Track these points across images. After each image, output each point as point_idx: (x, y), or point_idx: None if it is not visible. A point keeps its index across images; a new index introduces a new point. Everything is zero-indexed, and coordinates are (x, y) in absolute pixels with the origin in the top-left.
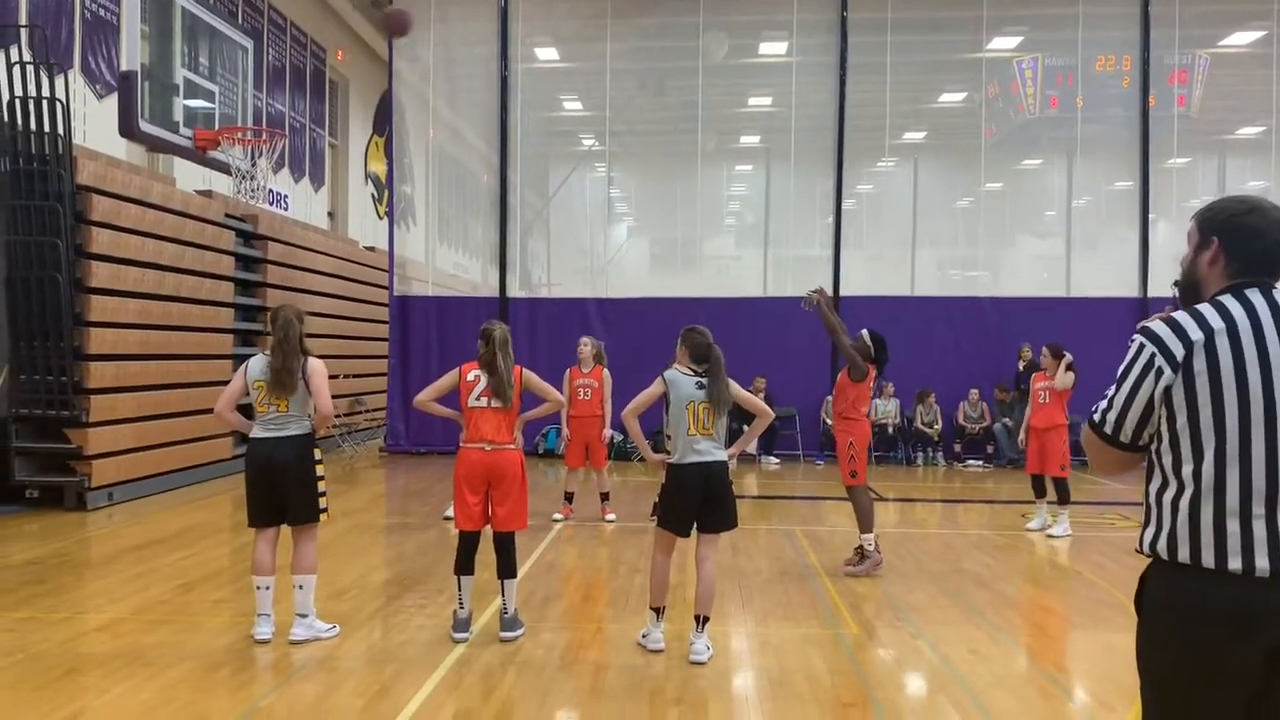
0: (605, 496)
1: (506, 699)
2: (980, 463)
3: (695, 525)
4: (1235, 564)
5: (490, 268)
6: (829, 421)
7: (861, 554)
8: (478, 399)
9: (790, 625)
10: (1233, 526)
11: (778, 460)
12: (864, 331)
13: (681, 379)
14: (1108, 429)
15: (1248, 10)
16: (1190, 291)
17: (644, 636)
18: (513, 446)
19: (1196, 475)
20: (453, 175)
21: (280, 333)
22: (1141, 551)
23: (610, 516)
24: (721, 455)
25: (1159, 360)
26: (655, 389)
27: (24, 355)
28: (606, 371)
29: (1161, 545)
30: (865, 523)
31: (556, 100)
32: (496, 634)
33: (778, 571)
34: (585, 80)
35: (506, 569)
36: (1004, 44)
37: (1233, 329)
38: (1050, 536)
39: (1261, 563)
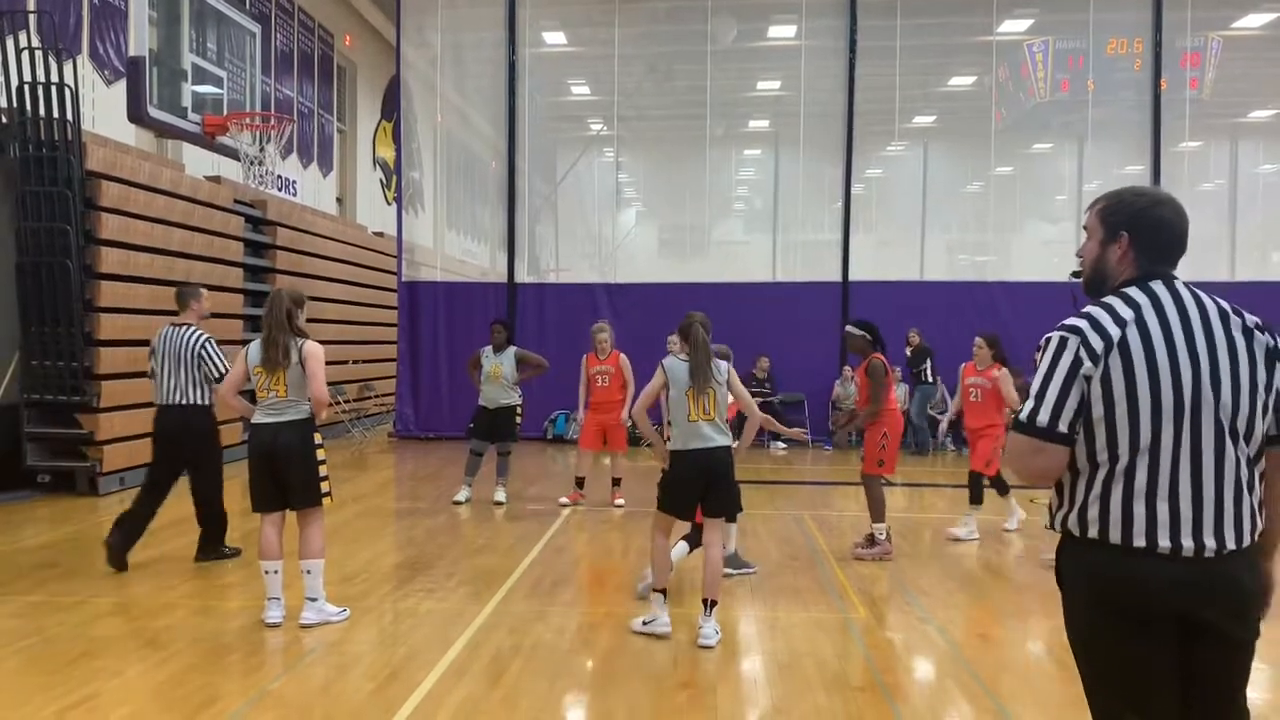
0: (616, 482)
1: (516, 682)
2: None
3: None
4: (1140, 541)
5: (498, 253)
6: (839, 408)
7: (871, 539)
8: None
9: (799, 609)
10: (1139, 508)
11: (785, 445)
12: (849, 327)
13: (678, 365)
14: (1041, 420)
15: None
16: (1096, 285)
17: (650, 621)
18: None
19: (1112, 460)
20: (461, 161)
21: (266, 309)
22: (1052, 528)
23: (619, 501)
24: (725, 440)
25: (1083, 352)
26: (657, 379)
27: (35, 341)
28: (624, 356)
29: (1072, 522)
30: (877, 512)
31: (564, 85)
32: (509, 617)
33: (786, 556)
34: (593, 65)
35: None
36: (1014, 27)
37: (1141, 323)
38: (957, 539)
39: (1164, 541)
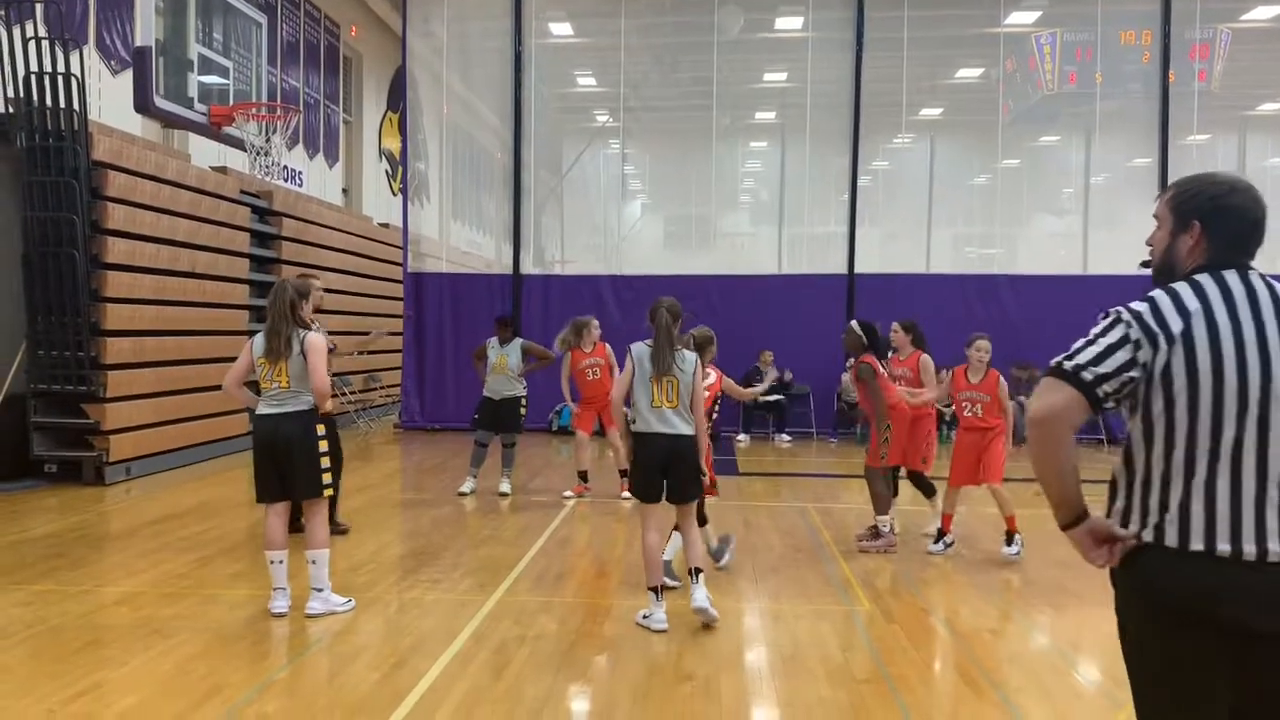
0: (624, 474)
1: (520, 672)
2: None
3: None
4: (1197, 544)
5: (504, 245)
6: (844, 400)
7: (875, 531)
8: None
9: (803, 601)
10: (1197, 508)
11: (790, 438)
12: (852, 323)
13: (644, 351)
14: (1067, 365)
15: None
16: (1165, 275)
17: (645, 617)
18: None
19: (1168, 458)
20: (467, 152)
21: (270, 299)
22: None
23: (626, 494)
24: (687, 429)
25: (1135, 332)
26: (628, 367)
27: (41, 331)
28: (608, 346)
29: (1128, 524)
30: (879, 505)
31: (571, 76)
32: (513, 607)
33: (791, 548)
34: (599, 56)
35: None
36: (1022, 19)
37: (1209, 314)
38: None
39: (1223, 544)
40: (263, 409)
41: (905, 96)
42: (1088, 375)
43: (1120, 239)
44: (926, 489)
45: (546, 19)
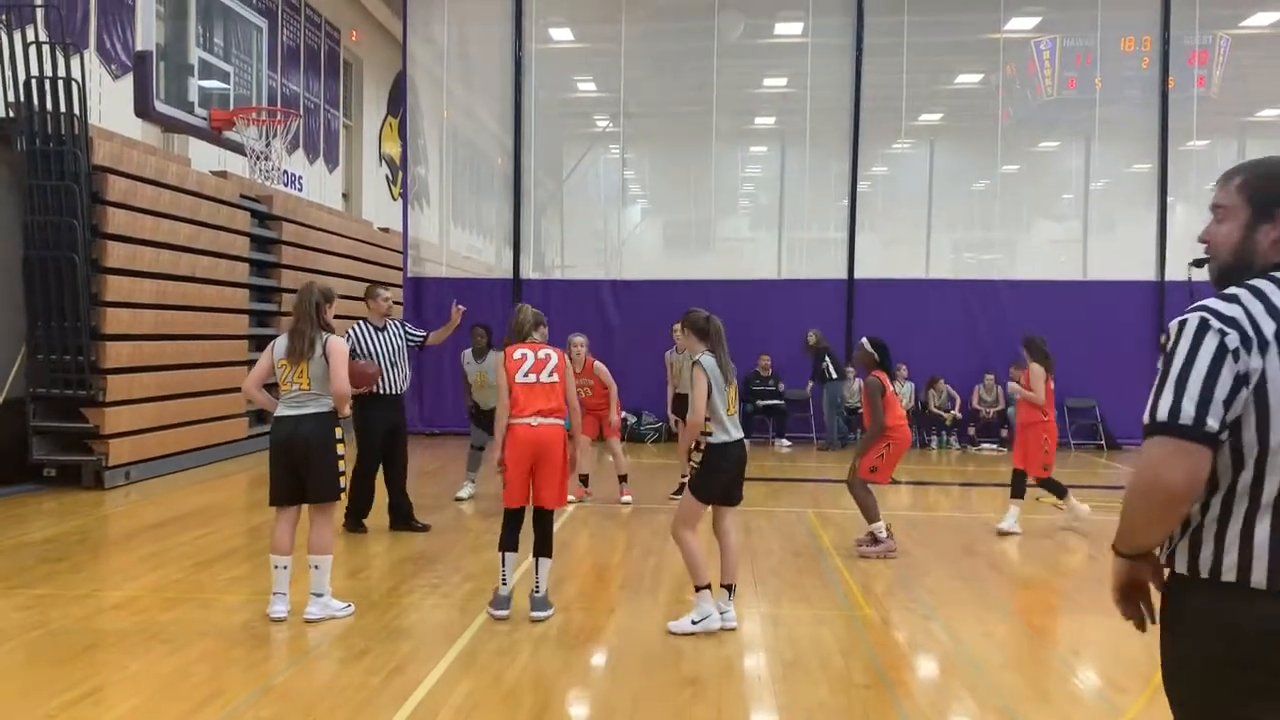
0: (623, 479)
1: (520, 677)
2: (994, 446)
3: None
4: (1260, 581)
5: (504, 249)
6: (844, 405)
7: (874, 537)
8: (525, 375)
9: (803, 606)
10: (1260, 538)
11: (790, 443)
12: (864, 340)
13: (712, 363)
14: (1186, 415)
15: None
16: (1238, 274)
17: (701, 620)
18: (559, 421)
19: (1235, 482)
20: (467, 157)
21: (296, 300)
22: (1176, 568)
23: (627, 499)
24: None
25: (1234, 342)
26: (702, 381)
27: (41, 335)
28: (598, 363)
29: (1181, 556)
30: (869, 514)
31: (571, 81)
32: (513, 612)
33: (790, 553)
34: (599, 61)
35: (545, 547)
36: (1022, 24)
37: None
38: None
39: None
40: (281, 410)
41: (905, 102)
42: (1212, 423)
43: (1120, 244)
44: (1059, 491)
45: (547, 24)
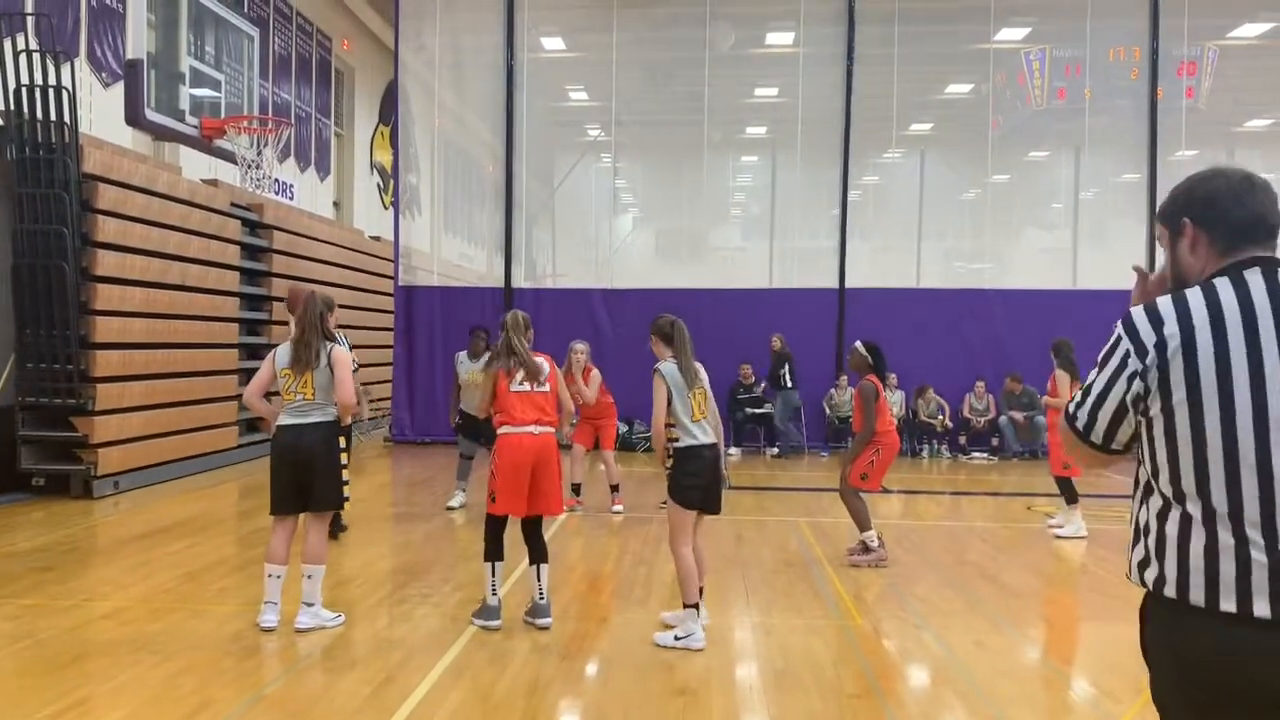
0: (615, 488)
1: (511, 688)
2: (985, 455)
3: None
4: (1228, 605)
5: (496, 258)
6: (829, 412)
7: (865, 546)
8: (520, 384)
9: (794, 616)
10: (1225, 563)
11: (780, 451)
12: (858, 344)
13: (672, 369)
14: (1079, 424)
15: (1257, 1)
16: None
17: (686, 637)
18: (554, 429)
19: (1178, 499)
20: (458, 165)
21: (300, 310)
22: (1130, 579)
23: (618, 508)
24: (716, 439)
25: (1132, 358)
26: (663, 388)
27: (30, 343)
28: (596, 371)
29: (1150, 576)
30: (860, 522)
31: (562, 90)
32: (506, 619)
33: (782, 562)
34: (591, 70)
35: (543, 553)
36: (1012, 35)
37: (1218, 318)
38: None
39: (1261, 608)
40: (284, 420)
41: (895, 111)
42: (1096, 439)
43: (1109, 254)
44: (1071, 495)
45: (539, 33)
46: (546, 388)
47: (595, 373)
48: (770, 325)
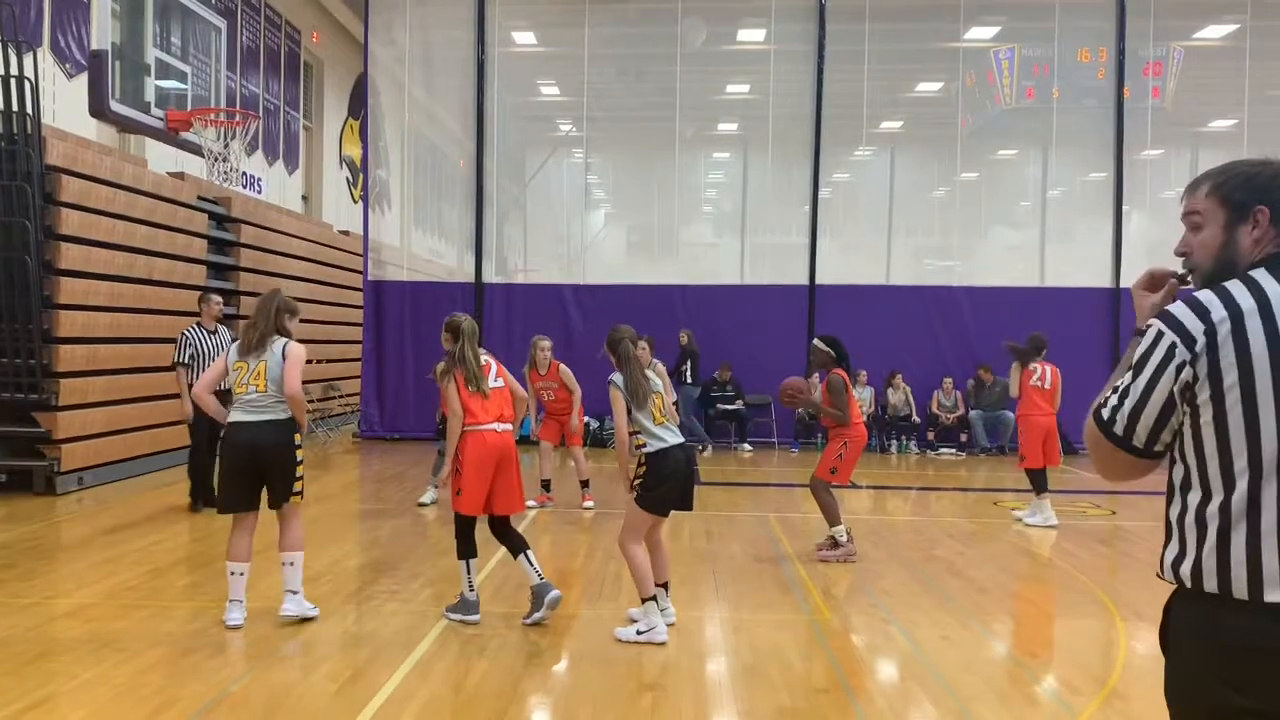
0: (585, 484)
1: (480, 684)
2: (954, 451)
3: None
4: (1274, 595)
5: (466, 253)
6: (800, 411)
7: (834, 541)
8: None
9: (763, 611)
10: (1269, 554)
11: (751, 448)
12: (817, 341)
13: (622, 379)
14: (1118, 429)
15: (1222, 3)
16: (1223, 277)
17: (648, 630)
18: (511, 428)
19: (1227, 488)
20: (429, 160)
21: (258, 303)
22: (1162, 577)
23: (589, 504)
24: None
25: (1179, 348)
26: (620, 400)
27: None
28: (563, 365)
29: (1185, 571)
30: (830, 516)
31: (534, 85)
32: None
33: (751, 557)
34: (563, 66)
35: (521, 542)
36: (981, 34)
37: (1265, 305)
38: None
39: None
40: (238, 416)
41: (866, 109)
42: (1138, 442)
43: (1076, 252)
44: (1041, 485)
45: (509, 28)
46: (500, 382)
47: (563, 366)
48: (742, 321)
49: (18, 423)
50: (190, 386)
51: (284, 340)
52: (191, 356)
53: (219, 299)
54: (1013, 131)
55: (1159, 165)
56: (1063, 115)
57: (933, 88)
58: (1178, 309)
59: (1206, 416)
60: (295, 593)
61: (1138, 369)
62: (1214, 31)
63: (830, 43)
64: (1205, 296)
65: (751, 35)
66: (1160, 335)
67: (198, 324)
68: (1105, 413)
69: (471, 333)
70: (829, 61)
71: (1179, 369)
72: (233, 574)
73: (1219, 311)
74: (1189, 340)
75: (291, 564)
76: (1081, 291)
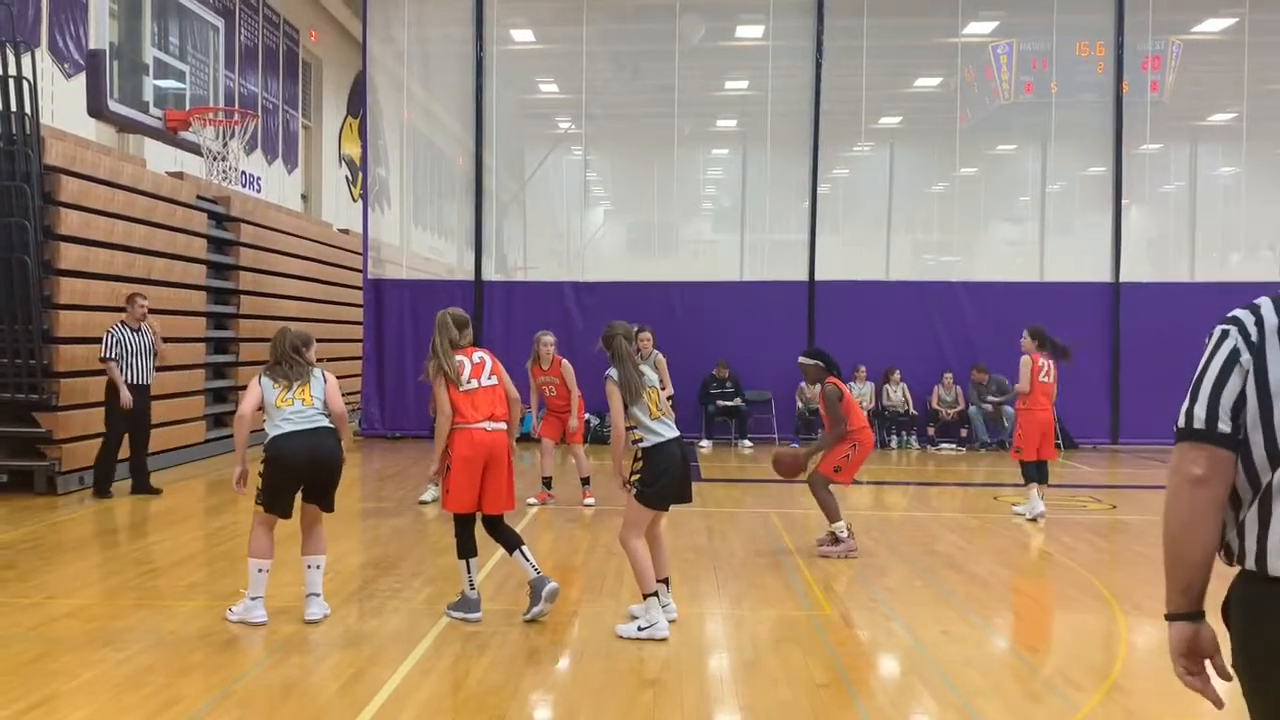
0: (586, 481)
1: (481, 681)
2: (954, 446)
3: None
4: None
5: (465, 251)
6: (800, 404)
7: (835, 537)
8: (467, 382)
9: (764, 607)
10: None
11: (752, 444)
12: (802, 358)
13: (618, 375)
14: (1197, 422)
15: None
16: None
17: (649, 626)
18: (505, 426)
19: (1275, 461)
20: (428, 158)
21: (271, 347)
22: (1230, 563)
23: (589, 501)
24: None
25: (1240, 340)
26: (616, 395)
27: None
28: (565, 362)
29: (1250, 554)
30: (830, 513)
31: (532, 83)
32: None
33: (752, 553)
34: (561, 62)
35: (516, 538)
36: (980, 29)
37: None
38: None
39: None
40: (289, 427)
41: (865, 105)
42: (1224, 425)
43: (1076, 246)
44: (1043, 476)
45: (508, 25)
46: (494, 381)
47: (565, 362)
48: (741, 318)
49: (18, 423)
50: (123, 379)
51: (321, 371)
52: (119, 355)
53: (145, 300)
54: (1012, 126)
55: (1158, 159)
56: (1061, 110)
57: (931, 83)
58: (1237, 310)
59: (1261, 395)
60: (318, 595)
61: (1205, 365)
62: (1213, 25)
63: (829, 38)
64: (1257, 300)
65: (750, 31)
66: (1225, 334)
67: (123, 322)
68: (1181, 419)
69: (443, 325)
70: (828, 57)
71: (1245, 356)
72: (260, 571)
73: (1269, 308)
74: (1245, 333)
75: (317, 567)
76: (1081, 286)
